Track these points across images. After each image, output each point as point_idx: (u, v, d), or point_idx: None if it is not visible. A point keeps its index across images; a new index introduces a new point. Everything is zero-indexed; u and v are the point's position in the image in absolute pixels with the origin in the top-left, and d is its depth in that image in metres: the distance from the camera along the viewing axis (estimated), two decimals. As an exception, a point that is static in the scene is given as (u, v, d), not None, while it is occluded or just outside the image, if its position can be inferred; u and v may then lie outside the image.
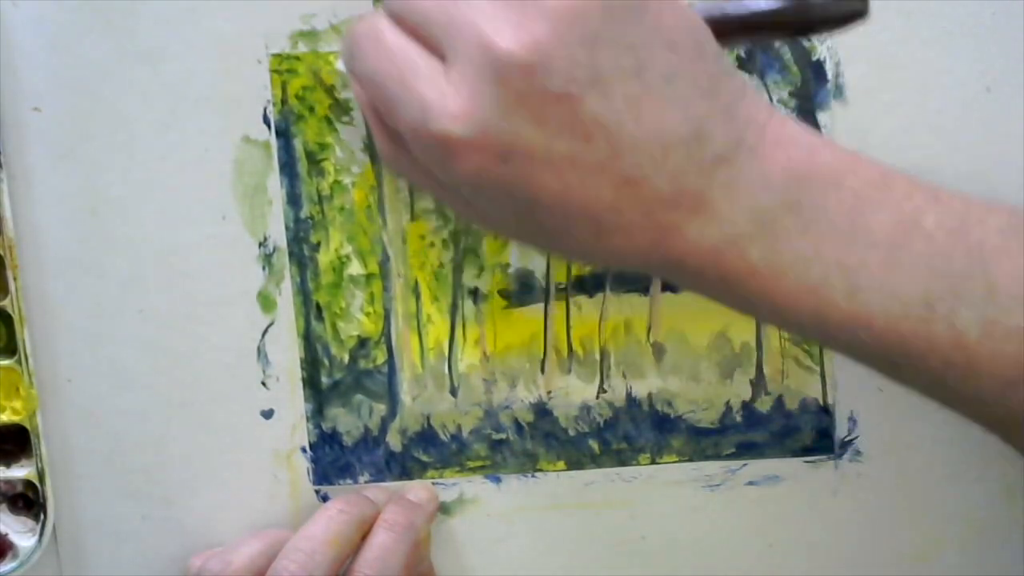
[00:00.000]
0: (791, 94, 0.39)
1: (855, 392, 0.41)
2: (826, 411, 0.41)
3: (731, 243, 0.30)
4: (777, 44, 0.39)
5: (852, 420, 0.41)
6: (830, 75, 0.39)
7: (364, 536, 0.38)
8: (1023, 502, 0.42)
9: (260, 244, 0.40)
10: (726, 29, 0.33)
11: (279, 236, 0.40)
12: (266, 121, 0.39)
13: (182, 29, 0.38)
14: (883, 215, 0.31)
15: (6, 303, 0.39)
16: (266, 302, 0.40)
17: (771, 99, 0.39)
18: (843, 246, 0.30)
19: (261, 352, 0.41)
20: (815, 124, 0.39)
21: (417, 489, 0.41)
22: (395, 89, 0.31)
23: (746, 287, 0.31)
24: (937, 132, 0.39)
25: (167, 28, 0.38)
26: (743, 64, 0.39)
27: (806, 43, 0.39)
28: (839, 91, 0.39)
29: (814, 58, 0.39)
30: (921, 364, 0.31)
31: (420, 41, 0.31)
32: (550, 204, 0.30)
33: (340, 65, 0.36)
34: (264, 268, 0.40)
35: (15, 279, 0.39)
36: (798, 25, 0.33)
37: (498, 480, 0.42)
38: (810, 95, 0.39)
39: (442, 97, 0.29)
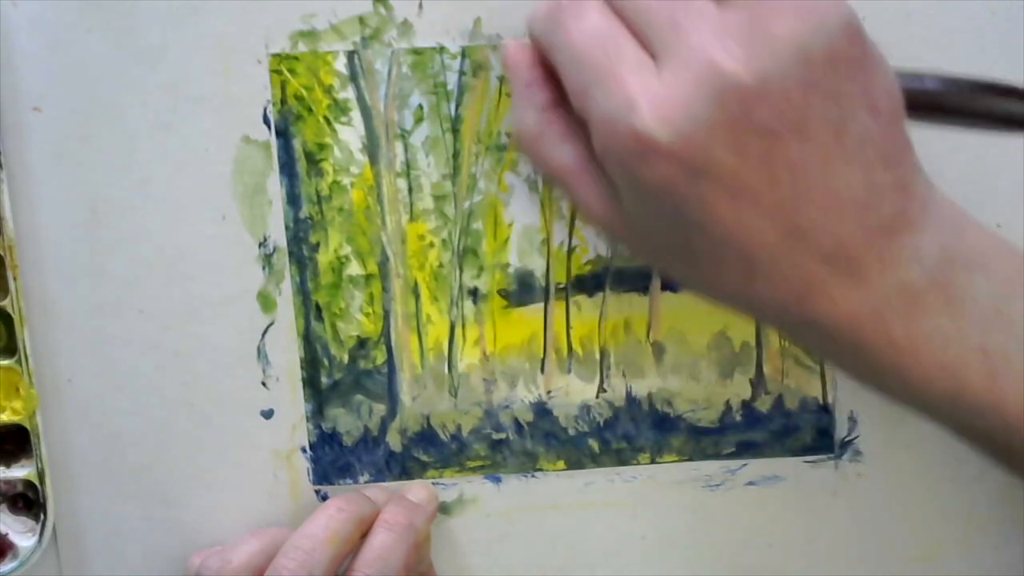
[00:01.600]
0: None
1: (855, 392, 0.41)
2: (826, 410, 0.41)
3: (874, 312, 0.31)
4: None
5: (852, 420, 0.41)
6: None
7: (363, 535, 0.38)
8: (1023, 502, 0.42)
9: (260, 244, 0.40)
10: (918, 103, 0.33)
11: (279, 236, 0.40)
12: (266, 121, 0.39)
13: (182, 29, 0.38)
14: None
15: (6, 303, 0.39)
16: (266, 302, 0.40)
17: None
18: (986, 330, 0.31)
19: (261, 352, 0.41)
20: None
21: (417, 489, 0.41)
22: (597, 73, 0.30)
23: (880, 359, 0.31)
24: (937, 132, 0.39)
25: (167, 28, 0.38)
26: None
27: None
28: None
29: None
30: None
31: (631, 31, 0.30)
32: (717, 233, 0.30)
33: (527, 30, 0.34)
34: (264, 268, 0.40)
35: (15, 279, 0.39)
36: (995, 111, 0.33)
37: (498, 480, 0.42)
38: None
39: (652, 95, 0.29)
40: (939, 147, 0.39)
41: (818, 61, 0.28)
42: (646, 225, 0.32)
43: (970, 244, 0.31)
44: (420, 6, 0.38)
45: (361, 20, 0.38)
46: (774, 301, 0.31)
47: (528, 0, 0.38)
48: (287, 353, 0.41)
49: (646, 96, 0.29)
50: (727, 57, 0.28)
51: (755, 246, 0.30)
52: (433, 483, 0.42)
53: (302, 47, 0.38)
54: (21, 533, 0.41)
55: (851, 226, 0.30)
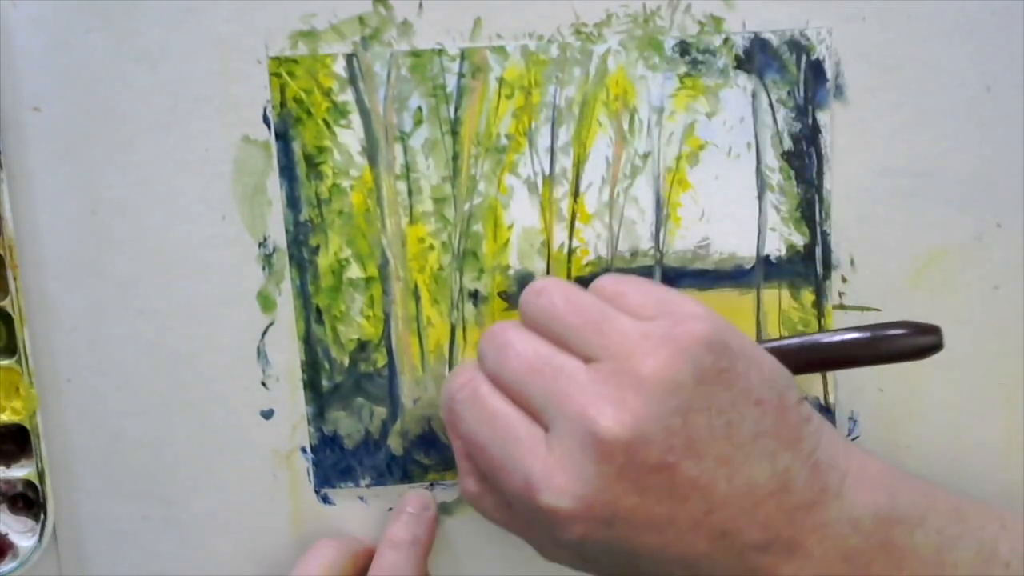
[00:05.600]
0: (789, 93, 0.39)
1: (855, 392, 0.41)
2: (827, 410, 0.41)
3: None
4: (775, 43, 0.38)
5: (852, 420, 0.41)
6: (829, 75, 0.39)
7: (357, 570, 0.39)
8: (1023, 502, 0.42)
9: (260, 244, 0.40)
10: (803, 362, 0.35)
11: (279, 236, 0.40)
12: (266, 121, 0.39)
13: (182, 29, 0.38)
14: (965, 549, 0.32)
15: (6, 303, 0.39)
16: (266, 302, 0.40)
17: (769, 99, 0.39)
18: None
19: (261, 352, 0.41)
20: (815, 124, 0.39)
21: (413, 499, 0.41)
22: (498, 455, 0.32)
23: None
24: (937, 132, 0.39)
25: (167, 28, 0.38)
26: (741, 64, 0.39)
27: (804, 42, 0.39)
28: (839, 91, 0.39)
29: (813, 57, 0.39)
30: None
31: (519, 405, 0.33)
32: (648, 556, 0.32)
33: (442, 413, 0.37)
34: (264, 268, 0.40)
35: (15, 279, 0.39)
36: (873, 357, 0.35)
37: (498, 480, 0.42)
38: (809, 95, 0.39)
39: (546, 471, 0.31)
40: (939, 147, 0.39)
41: (688, 386, 0.30)
42: (589, 558, 0.33)
43: (904, 502, 0.33)
44: (420, 6, 0.38)
45: (361, 20, 0.38)
46: None
47: (528, 0, 0.38)
48: (287, 353, 0.41)
49: (542, 471, 0.31)
50: (600, 418, 0.30)
51: (690, 555, 0.32)
52: (432, 485, 0.42)
53: (302, 47, 0.38)
54: (21, 533, 0.41)
55: (773, 513, 0.31)
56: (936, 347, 0.35)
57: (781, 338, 0.36)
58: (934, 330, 0.35)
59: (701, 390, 0.31)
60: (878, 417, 0.41)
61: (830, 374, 0.41)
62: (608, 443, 0.30)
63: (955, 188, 0.40)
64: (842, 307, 0.40)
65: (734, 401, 0.31)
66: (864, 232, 0.40)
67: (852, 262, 0.40)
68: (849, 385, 0.41)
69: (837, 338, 0.35)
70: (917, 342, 0.35)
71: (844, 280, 0.40)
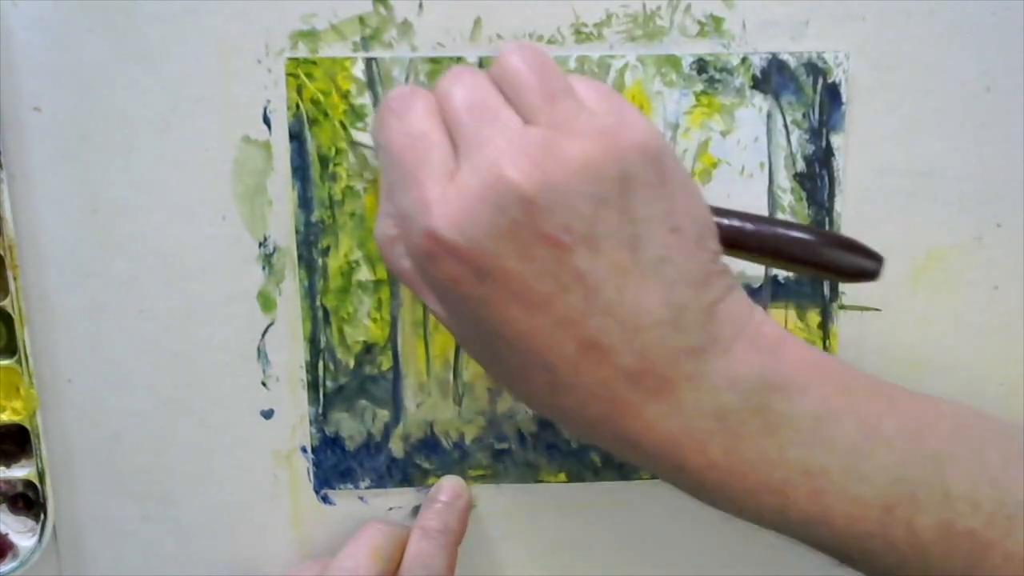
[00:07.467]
0: (804, 115, 0.39)
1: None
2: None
3: (690, 435, 0.31)
4: (793, 65, 0.38)
5: (852, 420, 0.41)
6: (844, 97, 0.39)
7: (401, 555, 0.39)
8: (1023, 502, 0.42)
9: (260, 244, 0.40)
10: (741, 239, 0.33)
11: (279, 236, 0.40)
12: (266, 121, 0.39)
13: (182, 29, 0.38)
14: (847, 422, 0.31)
15: (6, 303, 0.39)
16: (266, 302, 0.40)
17: (784, 120, 0.39)
18: (807, 451, 0.31)
19: (261, 352, 0.41)
20: (828, 146, 0.39)
21: (447, 487, 0.41)
22: (407, 171, 0.31)
23: (703, 479, 0.31)
24: (937, 132, 0.39)
25: (167, 28, 0.38)
26: (757, 84, 0.39)
27: (821, 65, 0.38)
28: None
29: (830, 80, 0.38)
30: (877, 560, 0.32)
31: (447, 130, 0.32)
32: (512, 340, 0.31)
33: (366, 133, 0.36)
34: (264, 268, 0.40)
35: (15, 279, 0.39)
36: (809, 260, 0.34)
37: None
38: (824, 117, 0.39)
39: (442, 197, 0.30)
40: (939, 147, 0.39)
41: (609, 180, 0.29)
42: (458, 323, 0.33)
43: (789, 368, 0.31)
44: (420, 6, 0.38)
45: (361, 20, 0.38)
46: (584, 416, 0.31)
47: (528, 0, 0.38)
48: (287, 353, 0.41)
49: (438, 197, 0.30)
50: (513, 168, 0.29)
51: (553, 356, 0.30)
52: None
53: (302, 47, 0.38)
54: (21, 533, 0.41)
55: (654, 346, 0.30)
56: (873, 274, 0.34)
57: (730, 211, 0.34)
58: (877, 257, 0.34)
59: (621, 191, 0.30)
60: (878, 417, 0.41)
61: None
62: (509, 192, 0.29)
63: (955, 188, 0.40)
64: (842, 307, 0.40)
65: (649, 217, 0.30)
66: (864, 232, 0.40)
67: (852, 262, 0.40)
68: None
69: (783, 230, 0.34)
70: (857, 262, 0.34)
71: (844, 280, 0.40)
